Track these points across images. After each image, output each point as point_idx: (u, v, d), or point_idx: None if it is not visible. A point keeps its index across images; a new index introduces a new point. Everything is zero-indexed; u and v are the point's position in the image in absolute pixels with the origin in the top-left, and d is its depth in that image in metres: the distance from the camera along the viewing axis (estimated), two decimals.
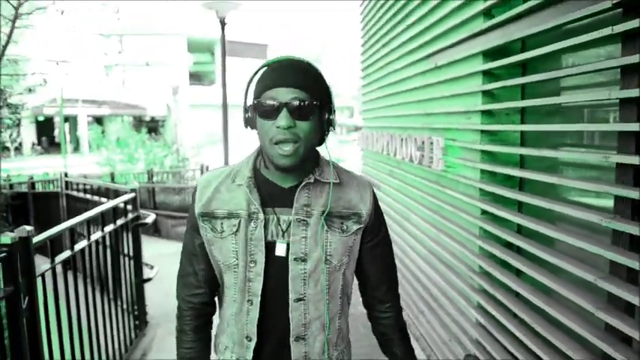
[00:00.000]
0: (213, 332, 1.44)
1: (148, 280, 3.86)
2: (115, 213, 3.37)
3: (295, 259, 1.23)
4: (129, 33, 30.45)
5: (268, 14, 29.60)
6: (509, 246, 2.34)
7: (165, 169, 9.64)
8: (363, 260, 1.35)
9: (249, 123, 1.24)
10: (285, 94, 1.14)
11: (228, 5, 7.63)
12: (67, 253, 2.59)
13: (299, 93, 1.15)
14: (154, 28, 30.64)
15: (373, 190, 1.35)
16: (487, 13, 2.41)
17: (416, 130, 3.49)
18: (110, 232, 3.21)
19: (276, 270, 1.23)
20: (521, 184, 2.35)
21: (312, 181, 1.24)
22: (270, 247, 1.23)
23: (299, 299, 1.24)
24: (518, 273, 2.25)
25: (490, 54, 2.42)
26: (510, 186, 2.35)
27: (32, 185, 6.82)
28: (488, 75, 2.45)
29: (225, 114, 8.34)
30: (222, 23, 7.97)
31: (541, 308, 1.91)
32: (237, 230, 1.23)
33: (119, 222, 3.36)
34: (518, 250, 2.27)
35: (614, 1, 1.46)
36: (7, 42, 6.46)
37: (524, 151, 2.17)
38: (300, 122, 1.15)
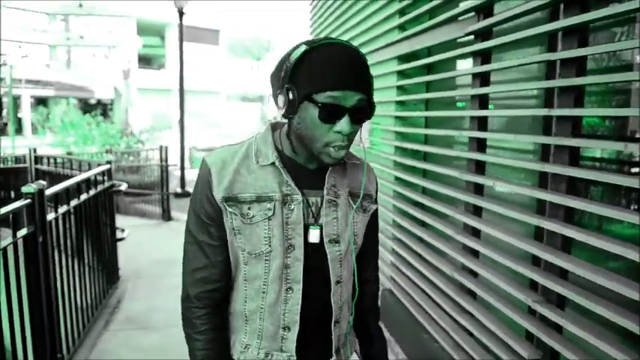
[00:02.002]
0: None
1: (122, 239, 4.46)
2: (94, 181, 3.94)
3: (330, 241, 1.18)
4: (75, 13, 29.81)
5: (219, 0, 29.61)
6: (416, 204, 3.13)
7: (120, 150, 10.03)
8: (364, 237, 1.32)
9: (290, 109, 1.07)
10: (351, 99, 1.05)
11: None
12: (65, 207, 3.17)
13: (362, 97, 1.06)
14: (100, 8, 30.09)
15: (374, 172, 1.35)
16: (401, 27, 3.17)
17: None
18: (93, 196, 3.78)
19: (311, 254, 1.17)
20: (425, 156, 3.13)
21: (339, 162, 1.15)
22: (304, 230, 1.16)
23: (338, 282, 1.20)
24: (423, 224, 3.04)
25: (403, 58, 3.19)
26: (417, 158, 3.13)
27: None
28: (401, 74, 3.23)
29: (182, 98, 8.85)
30: (181, 13, 8.46)
31: (440, 249, 2.67)
32: (272, 214, 1.14)
33: (100, 187, 3.94)
34: (423, 207, 3.05)
35: (467, 32, 2.25)
36: None
37: (427, 131, 2.96)
38: (357, 125, 1.08)
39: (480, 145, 2.31)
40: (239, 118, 32.23)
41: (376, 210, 1.32)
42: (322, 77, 1.03)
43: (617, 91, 1.79)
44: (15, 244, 2.47)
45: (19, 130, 31.63)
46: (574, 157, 1.69)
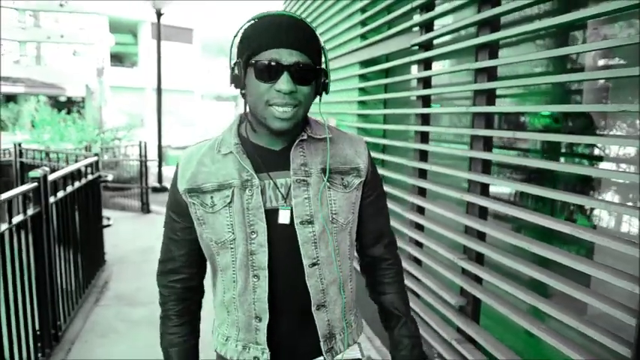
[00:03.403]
0: (209, 327, 1.35)
1: (108, 226, 4.82)
2: (81, 173, 4.29)
3: (301, 222, 1.14)
4: (45, 9, 29.53)
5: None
6: None
7: (99, 145, 10.27)
8: (363, 217, 1.27)
9: (236, 81, 1.11)
10: (287, 56, 1.04)
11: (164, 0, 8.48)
12: (62, 193, 3.54)
13: (301, 56, 1.06)
14: (73, 5, 29.86)
15: (366, 144, 1.29)
16: (363, 36, 3.64)
17: (317, 114, 4.72)
18: (83, 185, 4.13)
19: (279, 238, 1.14)
20: (384, 149, 3.60)
21: (305, 138, 1.17)
22: (270, 214, 1.14)
23: (313, 264, 1.15)
24: None
25: (364, 63, 3.66)
26: (377, 150, 3.59)
27: None
28: (363, 77, 3.69)
29: (159, 96, 9.17)
30: (159, 15, 8.79)
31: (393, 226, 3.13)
32: (230, 201, 1.14)
33: (90, 177, 4.30)
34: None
35: (412, 43, 2.72)
36: None
37: (386, 127, 3.42)
38: (301, 87, 1.06)
39: (424, 137, 2.78)
40: (213, 117, 32.35)
41: (370, 183, 1.26)
42: (258, 38, 1.06)
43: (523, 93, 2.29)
44: (25, 222, 2.85)
45: None
46: (487, 144, 2.17)
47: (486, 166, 2.18)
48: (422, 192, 2.83)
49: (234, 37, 1.12)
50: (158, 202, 8.36)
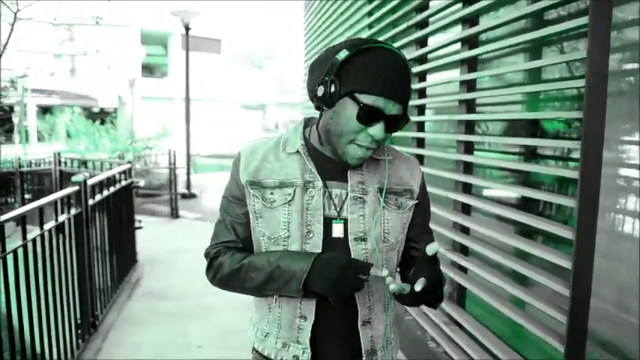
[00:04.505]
0: (251, 322, 1.33)
1: (140, 227, 5.23)
2: (116, 178, 4.69)
3: (355, 238, 1.16)
4: (78, 23, 30.65)
5: (220, 11, 30.40)
6: None
7: (133, 154, 10.79)
8: (411, 236, 1.27)
9: (327, 100, 1.09)
10: (391, 108, 1.06)
11: (192, 14, 8.95)
12: (99, 196, 3.93)
13: (400, 108, 1.08)
14: (105, 19, 30.85)
15: (420, 166, 1.30)
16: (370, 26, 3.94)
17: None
18: (118, 190, 4.53)
19: (331, 248, 1.15)
20: None
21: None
22: (325, 222, 1.16)
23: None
24: None
25: None
26: None
27: (19, 165, 8.02)
28: None
29: (188, 106, 9.64)
30: (187, 28, 9.27)
31: None
32: (291, 199, 1.16)
33: (124, 183, 4.70)
34: None
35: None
36: None
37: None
38: (388, 134, 1.09)
39: (420, 143, 3.07)
40: (240, 126, 32.96)
41: (420, 205, 1.26)
42: (370, 79, 1.04)
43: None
44: (68, 221, 3.23)
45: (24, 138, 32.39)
46: (468, 148, 2.45)
47: (468, 168, 2.46)
48: None
49: (334, 53, 1.09)
50: (187, 207, 8.79)
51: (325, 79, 1.08)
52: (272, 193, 1.17)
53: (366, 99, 1.04)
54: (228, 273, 1.21)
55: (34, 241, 2.64)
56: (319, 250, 1.14)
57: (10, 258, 2.37)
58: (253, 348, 1.28)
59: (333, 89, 1.07)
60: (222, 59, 34.65)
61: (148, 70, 35.26)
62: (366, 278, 1.07)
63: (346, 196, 1.17)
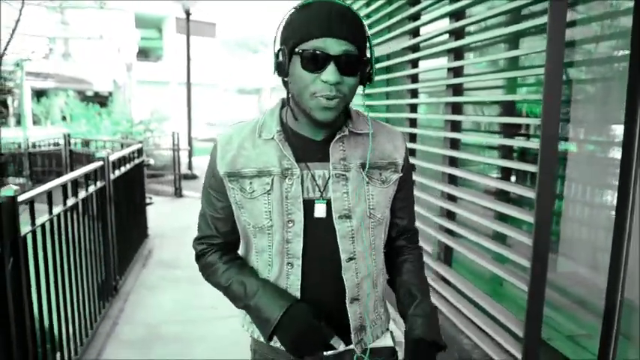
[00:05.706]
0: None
1: (151, 203, 5.59)
2: (131, 157, 5.02)
3: (340, 217, 1.15)
4: (71, 6, 30.50)
5: None
6: None
7: (134, 137, 11.10)
8: (394, 209, 1.27)
9: (280, 69, 1.08)
10: (334, 46, 1.02)
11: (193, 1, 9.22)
12: (118, 172, 4.26)
13: (349, 46, 1.03)
14: (101, 2, 30.71)
15: (403, 138, 1.27)
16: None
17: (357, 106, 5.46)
18: (131, 167, 4.86)
19: (316, 230, 1.15)
20: None
21: (346, 133, 1.16)
22: (307, 205, 1.14)
23: (350, 258, 1.16)
24: None
25: None
26: None
27: (32, 146, 8.34)
28: None
29: (189, 90, 9.93)
30: (188, 14, 9.53)
31: None
32: (270, 189, 1.14)
33: (137, 161, 5.04)
34: None
35: (402, 47, 3.36)
36: None
37: (388, 115, 4.06)
38: (347, 78, 1.04)
39: (412, 123, 3.43)
40: (236, 111, 33.11)
41: (404, 177, 1.24)
42: (305, 27, 1.03)
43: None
44: (93, 194, 3.57)
45: (18, 121, 32.34)
46: (455, 126, 2.81)
47: (454, 144, 2.83)
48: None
49: (280, 23, 1.09)
50: (190, 187, 9.15)
51: (276, 53, 1.09)
52: (251, 183, 1.16)
53: (306, 45, 1.03)
54: (213, 283, 1.29)
55: (68, 209, 2.90)
56: (300, 239, 1.15)
57: (43, 229, 2.70)
58: (251, 338, 1.31)
59: (281, 57, 1.08)
60: (217, 43, 34.66)
61: (143, 53, 35.16)
62: (327, 355, 1.18)
63: (329, 175, 1.15)
